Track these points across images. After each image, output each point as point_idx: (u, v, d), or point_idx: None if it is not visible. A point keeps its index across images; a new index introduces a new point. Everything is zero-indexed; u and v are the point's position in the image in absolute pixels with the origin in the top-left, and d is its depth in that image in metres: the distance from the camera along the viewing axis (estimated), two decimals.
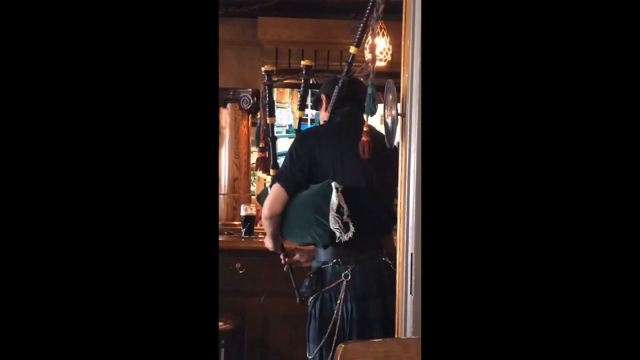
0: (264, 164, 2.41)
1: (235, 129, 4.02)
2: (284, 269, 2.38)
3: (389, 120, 1.68)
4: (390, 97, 1.65)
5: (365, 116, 1.95)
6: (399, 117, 1.61)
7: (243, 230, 3.54)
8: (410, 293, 1.49)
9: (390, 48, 3.54)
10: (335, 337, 2.10)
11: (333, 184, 2.04)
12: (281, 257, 2.38)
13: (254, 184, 4.60)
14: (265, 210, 2.19)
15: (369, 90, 1.94)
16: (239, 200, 4.00)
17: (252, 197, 4.19)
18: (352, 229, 2.04)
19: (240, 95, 4.00)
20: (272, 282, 3.16)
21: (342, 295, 2.10)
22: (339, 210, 2.03)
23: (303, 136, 2.28)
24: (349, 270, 2.10)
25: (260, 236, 3.54)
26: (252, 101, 3.96)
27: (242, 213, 3.57)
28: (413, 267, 1.49)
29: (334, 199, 2.02)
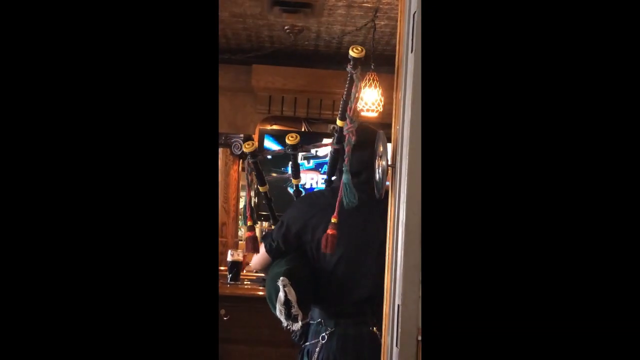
0: (253, 244, 2.24)
1: (225, 174, 4.03)
2: None
3: (378, 171, 1.68)
4: (381, 148, 1.65)
5: (345, 203, 1.75)
6: (389, 168, 1.61)
7: (229, 276, 3.50)
8: (396, 346, 1.47)
9: (382, 99, 3.59)
10: None
11: (280, 281, 2.01)
12: None
13: (242, 229, 4.58)
14: (251, 264, 2.32)
15: (344, 179, 1.74)
16: (227, 245, 3.97)
17: (240, 242, 4.16)
18: (300, 322, 2.04)
19: (232, 140, 4.02)
20: (258, 330, 3.12)
21: (315, 356, 2.09)
22: (286, 303, 2.03)
23: (297, 202, 2.27)
24: (327, 332, 2.09)
25: (246, 282, 3.51)
26: (243, 146, 3.99)
27: (229, 258, 3.52)
28: (400, 319, 1.47)
29: (281, 294, 2.02)
